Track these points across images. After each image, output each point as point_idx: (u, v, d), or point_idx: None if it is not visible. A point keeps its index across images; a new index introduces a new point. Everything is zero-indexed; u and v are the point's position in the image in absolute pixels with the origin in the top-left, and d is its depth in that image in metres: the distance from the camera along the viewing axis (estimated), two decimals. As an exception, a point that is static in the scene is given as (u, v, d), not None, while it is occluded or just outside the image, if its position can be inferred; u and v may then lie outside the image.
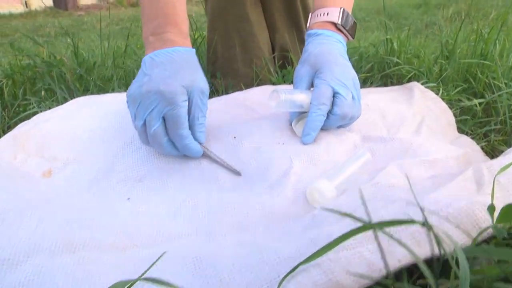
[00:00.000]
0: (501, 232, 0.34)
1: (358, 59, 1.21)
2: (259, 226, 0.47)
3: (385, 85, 1.13)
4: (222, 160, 0.59)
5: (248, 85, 0.98)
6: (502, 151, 0.71)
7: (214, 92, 1.01)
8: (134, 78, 0.59)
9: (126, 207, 0.52)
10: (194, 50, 0.61)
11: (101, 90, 0.99)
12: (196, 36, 1.22)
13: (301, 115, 0.65)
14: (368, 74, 1.11)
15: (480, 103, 0.83)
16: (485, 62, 0.94)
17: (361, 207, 0.42)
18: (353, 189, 0.52)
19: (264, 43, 1.01)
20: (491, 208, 0.36)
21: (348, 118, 0.62)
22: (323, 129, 0.63)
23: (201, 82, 0.57)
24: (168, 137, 0.56)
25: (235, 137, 0.62)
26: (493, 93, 0.85)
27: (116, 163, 0.60)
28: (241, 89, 0.97)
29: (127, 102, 0.57)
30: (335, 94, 0.61)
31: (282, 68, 1.06)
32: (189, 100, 0.56)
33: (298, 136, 0.64)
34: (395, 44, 1.15)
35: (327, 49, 0.65)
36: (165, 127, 0.55)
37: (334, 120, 0.61)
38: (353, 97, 0.63)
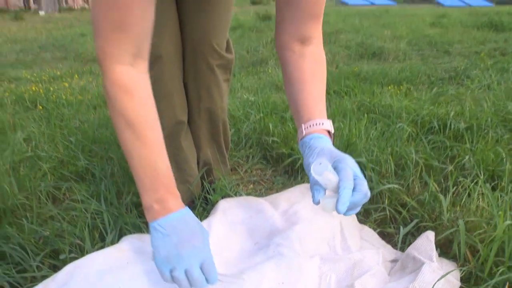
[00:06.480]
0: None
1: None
2: None
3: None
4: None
5: (183, 200, 1.24)
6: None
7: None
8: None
9: None
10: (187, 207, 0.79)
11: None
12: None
13: (326, 194, 0.79)
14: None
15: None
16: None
17: None
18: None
19: (194, 162, 1.28)
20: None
21: (367, 196, 0.77)
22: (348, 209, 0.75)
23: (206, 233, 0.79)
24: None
25: None
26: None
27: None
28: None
29: (160, 264, 0.73)
30: (355, 177, 0.75)
31: (211, 183, 1.35)
32: None
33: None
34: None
35: (333, 148, 0.84)
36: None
37: (359, 196, 0.74)
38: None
